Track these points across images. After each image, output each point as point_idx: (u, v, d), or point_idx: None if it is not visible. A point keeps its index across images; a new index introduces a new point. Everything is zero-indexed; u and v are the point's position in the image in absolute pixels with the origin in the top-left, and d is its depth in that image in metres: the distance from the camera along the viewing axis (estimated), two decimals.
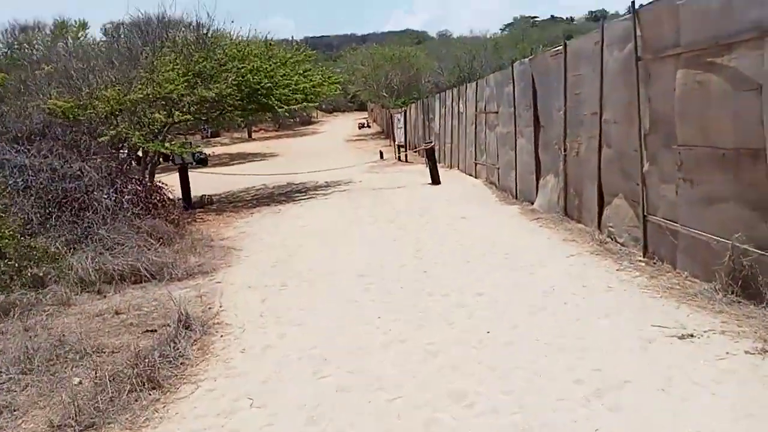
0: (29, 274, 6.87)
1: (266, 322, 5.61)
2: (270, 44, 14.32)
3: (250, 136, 46.85)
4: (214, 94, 12.12)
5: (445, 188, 13.95)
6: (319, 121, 58.89)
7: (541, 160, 9.87)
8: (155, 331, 5.44)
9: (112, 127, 11.07)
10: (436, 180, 14.77)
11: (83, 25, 24.02)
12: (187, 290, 6.81)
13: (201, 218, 12.16)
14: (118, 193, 9.32)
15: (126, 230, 8.48)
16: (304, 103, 14.03)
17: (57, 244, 7.85)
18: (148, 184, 10.11)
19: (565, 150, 8.68)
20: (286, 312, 5.83)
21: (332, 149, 31.92)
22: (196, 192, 15.87)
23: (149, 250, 8.16)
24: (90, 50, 14.76)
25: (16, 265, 6.77)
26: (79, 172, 9.51)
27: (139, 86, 11.77)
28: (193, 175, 20.20)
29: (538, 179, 10.02)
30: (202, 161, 29.20)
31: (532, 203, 10.24)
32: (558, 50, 8.99)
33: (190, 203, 14.00)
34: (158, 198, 9.94)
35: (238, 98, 12.82)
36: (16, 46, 23.92)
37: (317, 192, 15.29)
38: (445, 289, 6.08)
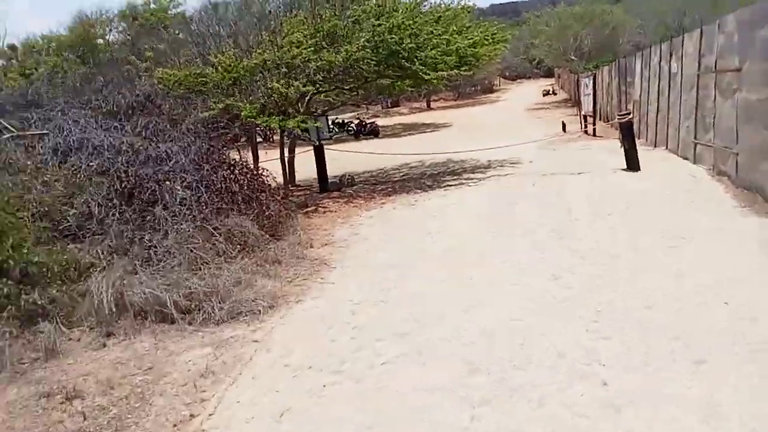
0: (30, 300, 4.88)
1: None
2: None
3: (428, 105, 44.27)
4: (341, 59, 9.41)
5: (648, 178, 9.68)
6: (501, 89, 54.09)
7: None
8: None
9: (220, 100, 8.97)
10: (634, 164, 10.50)
11: None
12: (207, 351, 4.26)
13: (325, 207, 9.73)
14: (199, 182, 7.13)
15: (191, 232, 6.24)
16: (459, 69, 10.62)
17: (98, 250, 5.87)
18: (245, 169, 7.81)
19: None
20: None
21: (509, 120, 27.80)
22: (345, 168, 13.72)
23: (210, 264, 5.83)
24: (214, 15, 12.94)
25: (9, 289, 4.78)
26: (165, 154, 7.54)
27: (259, 51, 9.55)
28: (357, 148, 18.36)
29: None
30: (374, 132, 27.47)
31: None
32: None
33: (326, 185, 11.72)
34: (251, 187, 7.58)
35: (374, 62, 9.93)
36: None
37: (473, 175, 11.97)
38: None
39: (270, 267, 6.18)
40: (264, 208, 7.44)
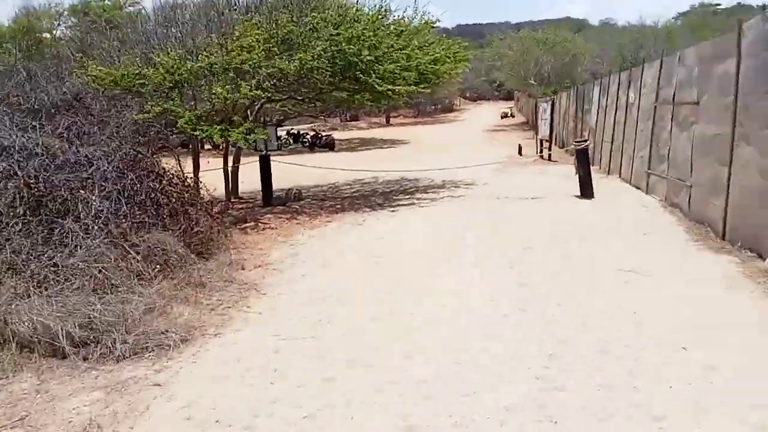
0: None
1: None
2: (385, 12, 10.58)
3: (388, 121, 44.16)
4: (294, 67, 8.83)
5: (601, 206, 9.47)
6: (461, 108, 54.57)
7: None
8: None
9: (157, 104, 8.24)
10: (587, 192, 10.31)
11: None
12: (97, 396, 3.57)
13: (265, 223, 9.08)
14: (120, 193, 6.40)
15: (102, 250, 5.50)
16: (418, 85, 10.19)
17: None
18: (175, 179, 7.09)
19: None
20: None
21: (467, 140, 27.76)
22: (296, 182, 13.10)
23: (120, 287, 5.12)
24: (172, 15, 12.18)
25: None
26: (85, 159, 6.76)
27: (206, 54, 8.88)
28: (311, 160, 17.70)
29: None
30: (329, 144, 26.94)
31: (764, 258, 5.67)
32: None
33: (270, 199, 11.06)
34: (180, 199, 6.88)
35: (329, 73, 9.40)
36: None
37: (426, 195, 11.56)
38: None
39: (191, 291, 5.49)
40: (192, 223, 6.76)
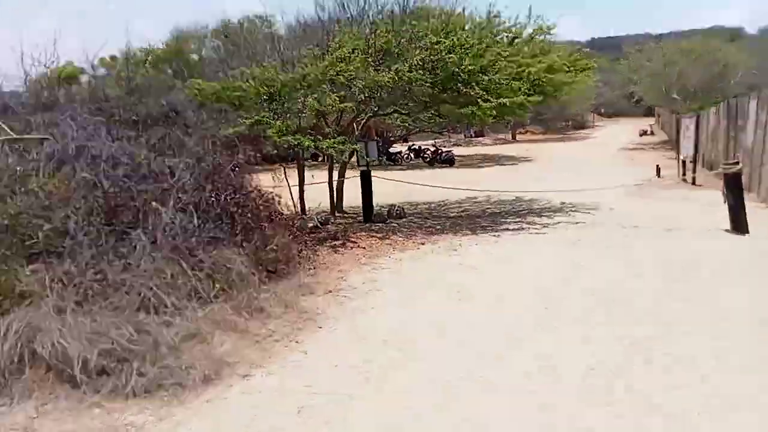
0: None
1: None
2: (494, 18, 9.54)
3: (513, 137, 42.19)
4: (389, 78, 8.13)
5: (759, 246, 7.51)
6: (595, 125, 50.68)
7: None
8: None
9: (251, 116, 7.98)
10: (740, 226, 8.32)
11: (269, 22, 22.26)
12: None
13: (355, 241, 8.41)
14: (196, 206, 6.08)
15: (161, 266, 5.14)
16: (528, 96, 8.95)
17: (49, 276, 4.88)
18: (254, 193, 6.65)
19: None
20: None
21: (598, 158, 25.27)
22: (407, 197, 12.47)
23: (166, 308, 4.68)
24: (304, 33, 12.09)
25: None
26: (168, 170, 6.58)
27: (301, 65, 8.51)
28: (430, 175, 16.91)
29: None
30: (449, 160, 26.09)
31: None
32: None
33: (370, 215, 10.45)
34: (255, 214, 6.40)
35: (428, 85, 8.56)
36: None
37: (538, 219, 10.20)
38: None
39: (246, 316, 4.93)
40: (267, 241, 6.26)
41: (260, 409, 3.43)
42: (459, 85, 8.52)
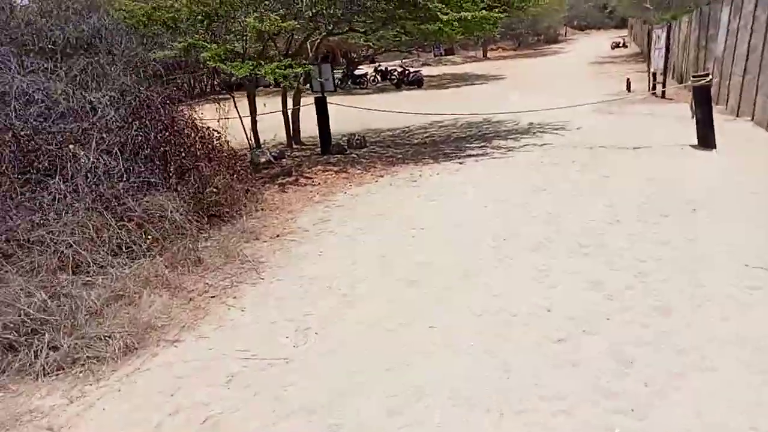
0: None
1: None
2: None
3: (485, 55, 40.81)
4: None
5: (725, 162, 7.24)
6: (567, 39, 49.27)
7: None
8: None
9: (185, 39, 7.15)
10: (707, 140, 8.02)
11: None
12: None
13: (310, 176, 7.93)
14: (123, 146, 5.47)
15: (81, 218, 4.62)
16: (490, 11, 8.20)
17: None
18: (189, 129, 6.02)
19: None
20: None
21: (569, 73, 24.59)
22: (371, 124, 11.87)
23: (88, 266, 4.22)
24: None
25: None
26: (90, 106, 5.88)
27: None
28: (396, 99, 16.05)
29: None
30: (417, 82, 25.07)
31: None
32: None
33: (327, 146, 9.87)
34: (194, 153, 5.83)
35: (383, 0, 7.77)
36: None
37: (504, 143, 9.76)
38: None
39: (181, 270, 4.51)
40: (206, 183, 5.73)
41: (185, 380, 3.09)
42: None
